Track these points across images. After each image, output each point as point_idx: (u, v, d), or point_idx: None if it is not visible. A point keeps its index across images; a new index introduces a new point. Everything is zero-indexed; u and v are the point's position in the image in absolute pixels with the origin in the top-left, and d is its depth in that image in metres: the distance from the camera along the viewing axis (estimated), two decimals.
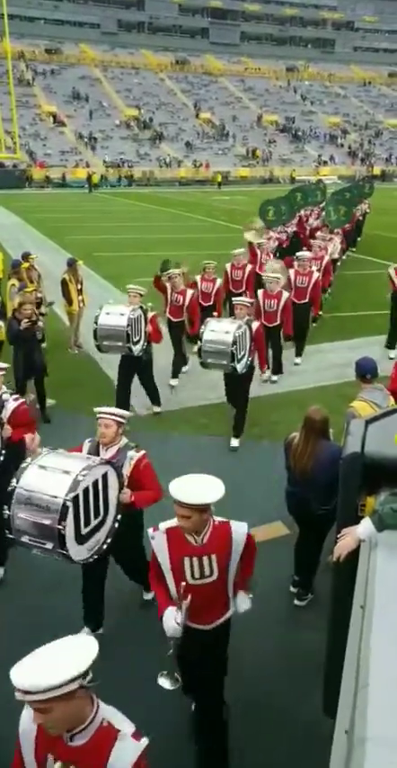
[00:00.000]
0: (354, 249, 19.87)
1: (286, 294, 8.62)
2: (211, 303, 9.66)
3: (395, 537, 2.46)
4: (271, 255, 12.21)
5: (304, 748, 3.39)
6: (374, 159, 66.07)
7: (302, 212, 16.71)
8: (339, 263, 15.45)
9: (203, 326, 6.73)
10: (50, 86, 66.22)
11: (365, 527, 2.55)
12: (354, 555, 2.60)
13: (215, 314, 8.78)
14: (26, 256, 10.71)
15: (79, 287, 10.20)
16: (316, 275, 9.82)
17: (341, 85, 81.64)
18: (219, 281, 9.97)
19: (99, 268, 16.32)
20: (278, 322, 8.59)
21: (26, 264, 10.32)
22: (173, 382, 8.75)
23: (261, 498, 5.54)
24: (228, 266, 10.83)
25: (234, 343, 6.37)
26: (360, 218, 20.58)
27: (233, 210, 29.51)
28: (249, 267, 10.88)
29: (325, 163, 63.78)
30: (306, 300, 9.60)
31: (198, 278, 9.76)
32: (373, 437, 3.11)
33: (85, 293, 10.37)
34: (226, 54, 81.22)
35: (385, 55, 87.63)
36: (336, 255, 13.87)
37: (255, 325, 7.01)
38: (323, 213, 16.48)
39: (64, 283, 10.12)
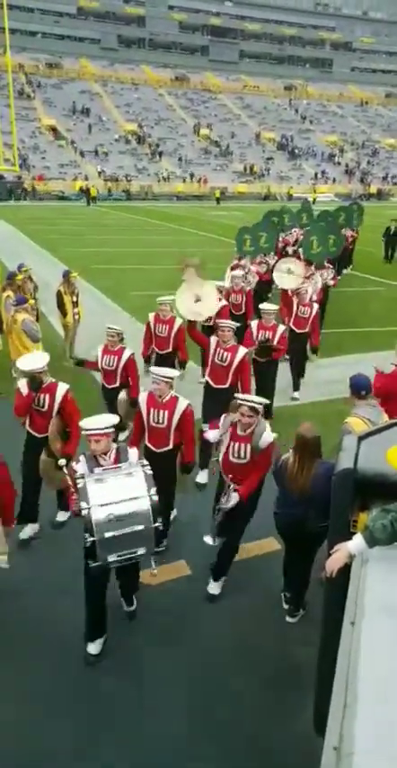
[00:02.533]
0: (347, 270, 19.07)
1: (282, 327, 7.98)
2: (170, 350, 7.97)
3: (385, 553, 2.46)
4: (244, 293, 10.11)
5: (294, 765, 3.37)
6: (370, 178, 66.77)
7: (281, 237, 15.48)
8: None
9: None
10: (50, 100, 66.81)
11: (356, 543, 2.56)
12: (346, 571, 2.60)
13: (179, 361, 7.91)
14: (20, 268, 10.75)
15: (74, 299, 10.22)
16: (316, 306, 9.35)
17: (339, 105, 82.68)
18: (179, 322, 7.92)
19: (95, 281, 16.38)
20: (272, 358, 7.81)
21: (21, 276, 10.34)
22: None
23: (257, 512, 5.53)
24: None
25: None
26: (349, 246, 18.86)
27: (231, 226, 29.68)
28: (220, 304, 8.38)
29: (324, 179, 64.34)
30: (306, 330, 9.15)
31: (151, 317, 8.08)
32: (365, 453, 3.12)
33: (81, 306, 10.38)
34: (225, 71, 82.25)
35: (383, 75, 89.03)
36: (329, 282, 12.45)
37: (241, 352, 6.54)
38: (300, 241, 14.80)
39: (59, 295, 10.15)
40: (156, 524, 3.71)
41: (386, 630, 1.99)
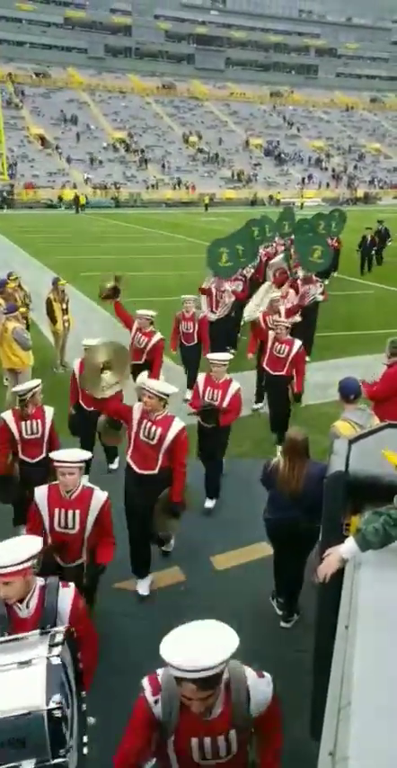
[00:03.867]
0: (335, 273, 18.79)
1: (235, 385, 6.05)
2: (143, 361, 7.41)
3: (378, 556, 2.46)
4: (195, 320, 8.80)
5: None
6: (357, 182, 67.31)
7: (261, 251, 13.78)
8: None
9: None
10: (38, 109, 66.86)
11: (348, 546, 2.55)
12: (339, 574, 2.60)
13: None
14: (9, 276, 10.72)
15: (64, 306, 10.21)
16: (298, 343, 7.40)
17: (325, 110, 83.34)
18: (158, 336, 7.54)
19: (84, 288, 16.35)
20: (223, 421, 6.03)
21: (12, 284, 10.31)
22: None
23: (246, 517, 5.52)
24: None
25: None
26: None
27: (220, 231, 29.80)
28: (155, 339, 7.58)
29: (311, 183, 64.75)
30: (283, 373, 7.34)
31: (135, 325, 7.62)
32: (356, 456, 3.13)
33: (71, 313, 10.37)
34: (212, 79, 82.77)
35: (367, 81, 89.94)
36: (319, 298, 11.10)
37: (173, 429, 4.63)
38: (287, 254, 13.72)
39: (48, 303, 10.15)
40: (57, 760, 2.12)
41: (380, 634, 1.99)
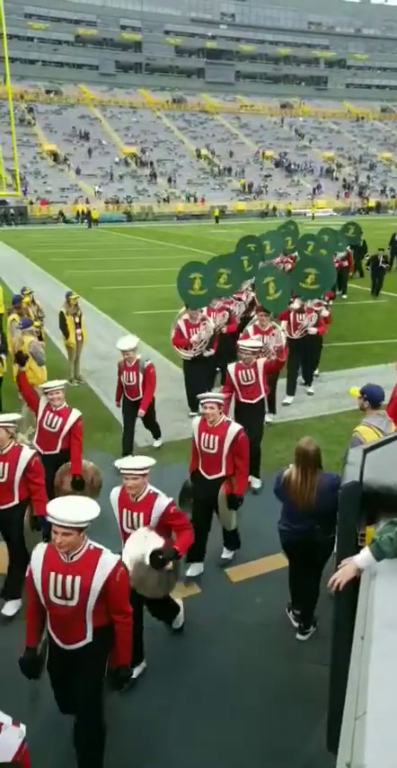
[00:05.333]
0: (345, 296, 17.45)
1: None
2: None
3: (393, 565, 2.46)
4: (139, 372, 7.12)
5: None
6: (368, 192, 67.26)
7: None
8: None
9: None
10: (51, 126, 67.83)
11: (363, 556, 2.55)
12: (355, 585, 2.59)
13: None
14: (22, 292, 10.87)
15: (77, 320, 10.30)
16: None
17: (335, 121, 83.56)
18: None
19: (98, 302, 16.49)
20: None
21: (27, 299, 10.45)
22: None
23: (264, 529, 5.51)
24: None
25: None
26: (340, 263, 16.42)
27: (232, 243, 29.95)
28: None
29: (322, 193, 64.81)
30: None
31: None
32: (371, 466, 3.11)
33: (84, 327, 10.45)
34: (222, 92, 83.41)
35: (377, 91, 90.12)
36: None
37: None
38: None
39: (61, 316, 10.27)
40: None
41: (395, 643, 1.99)
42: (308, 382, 9.97)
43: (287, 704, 3.95)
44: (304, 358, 9.59)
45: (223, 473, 5.10)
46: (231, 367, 6.67)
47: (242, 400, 6.63)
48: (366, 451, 3.28)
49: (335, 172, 71.33)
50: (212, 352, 8.51)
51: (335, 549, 3.64)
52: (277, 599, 4.86)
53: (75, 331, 10.24)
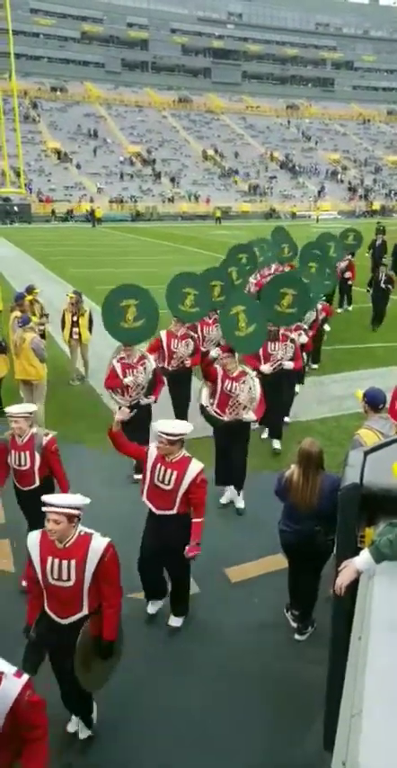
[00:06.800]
0: (350, 309, 16.03)
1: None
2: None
3: (392, 568, 2.47)
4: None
5: None
6: (373, 195, 67.17)
7: (252, 280, 11.67)
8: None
9: None
10: (55, 123, 67.87)
11: (363, 559, 2.56)
12: (353, 586, 2.60)
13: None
14: (30, 290, 10.87)
15: (75, 318, 10.31)
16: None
17: (341, 123, 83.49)
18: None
19: (101, 301, 16.50)
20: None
21: (30, 297, 10.46)
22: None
23: (262, 529, 5.52)
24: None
25: None
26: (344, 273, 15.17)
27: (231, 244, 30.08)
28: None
29: (326, 196, 64.75)
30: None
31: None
32: (371, 468, 3.12)
33: (83, 326, 10.36)
34: (228, 92, 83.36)
35: (384, 93, 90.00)
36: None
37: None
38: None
39: (63, 314, 10.44)
40: None
41: (393, 644, 2.00)
42: (275, 433, 7.77)
43: (285, 704, 3.97)
44: (276, 399, 7.25)
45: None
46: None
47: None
48: (366, 454, 3.29)
49: (340, 174, 71.28)
50: (152, 399, 6.80)
51: (335, 551, 3.66)
52: (276, 600, 4.87)
53: (71, 329, 10.29)
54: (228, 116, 79.54)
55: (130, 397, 6.61)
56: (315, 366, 10.96)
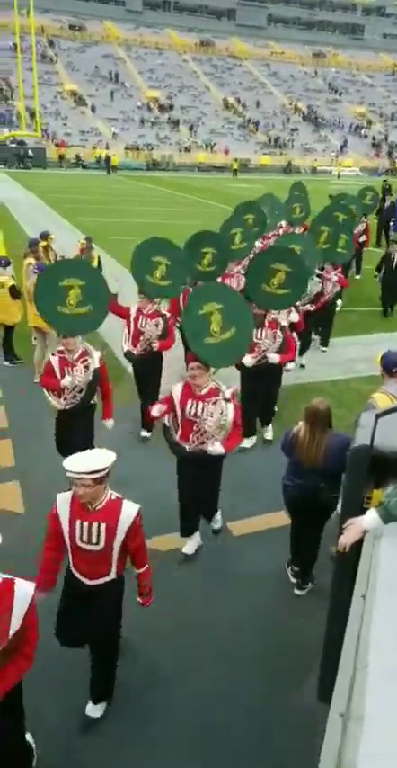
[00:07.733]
0: (358, 277, 14.93)
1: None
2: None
3: None
4: None
5: (301, 732, 3.46)
6: None
7: (258, 244, 10.31)
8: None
9: None
10: (73, 64, 65.84)
11: (370, 518, 2.58)
12: (356, 545, 2.63)
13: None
14: (45, 236, 10.76)
15: None
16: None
17: (369, 74, 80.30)
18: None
19: (114, 251, 16.32)
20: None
21: (44, 243, 10.37)
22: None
23: (268, 487, 5.58)
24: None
25: None
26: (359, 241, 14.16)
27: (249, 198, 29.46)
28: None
29: (347, 149, 62.86)
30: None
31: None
32: (382, 431, 3.12)
33: None
34: (253, 37, 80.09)
35: None
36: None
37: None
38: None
39: None
40: None
41: None
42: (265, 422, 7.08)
43: (284, 655, 4.08)
44: (265, 397, 6.81)
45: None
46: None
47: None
48: (378, 416, 3.29)
49: (364, 129, 68.97)
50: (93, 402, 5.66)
51: (338, 509, 3.70)
52: (278, 555, 4.96)
53: None
54: (251, 62, 76.70)
55: (65, 399, 5.31)
56: (325, 349, 9.90)
